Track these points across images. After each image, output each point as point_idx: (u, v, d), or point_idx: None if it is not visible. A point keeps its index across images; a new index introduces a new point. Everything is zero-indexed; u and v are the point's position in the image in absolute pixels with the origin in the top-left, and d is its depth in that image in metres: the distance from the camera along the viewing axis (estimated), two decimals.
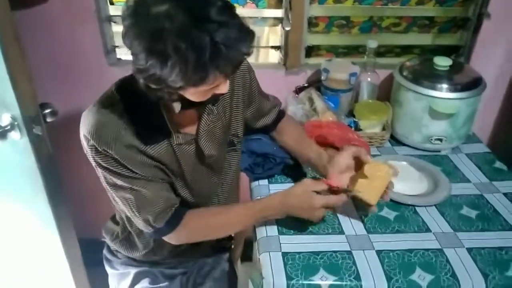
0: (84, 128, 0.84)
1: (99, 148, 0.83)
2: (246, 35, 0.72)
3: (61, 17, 1.45)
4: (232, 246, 1.33)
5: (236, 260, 1.41)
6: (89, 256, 1.35)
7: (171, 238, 0.99)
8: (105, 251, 1.20)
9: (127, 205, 0.93)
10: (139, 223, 0.96)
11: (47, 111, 1.13)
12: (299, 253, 0.98)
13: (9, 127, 1.06)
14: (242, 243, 1.45)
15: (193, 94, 0.80)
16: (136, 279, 1.13)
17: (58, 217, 1.26)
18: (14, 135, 1.08)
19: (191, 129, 0.96)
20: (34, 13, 1.42)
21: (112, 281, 1.19)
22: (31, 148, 1.09)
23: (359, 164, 1.02)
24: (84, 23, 1.46)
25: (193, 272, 1.17)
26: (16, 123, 1.06)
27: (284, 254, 0.97)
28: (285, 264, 0.95)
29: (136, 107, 0.85)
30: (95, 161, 0.87)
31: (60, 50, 1.51)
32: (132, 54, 0.71)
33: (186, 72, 0.68)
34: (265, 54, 1.70)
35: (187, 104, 0.83)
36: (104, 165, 0.86)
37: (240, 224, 1.04)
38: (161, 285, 1.12)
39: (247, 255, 1.26)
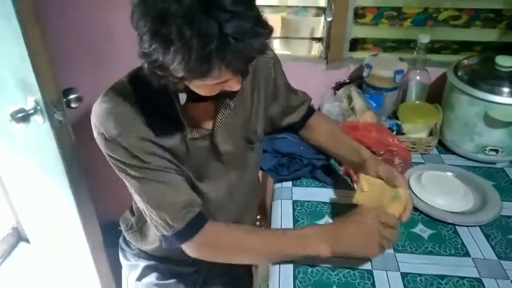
0: (93, 117, 0.81)
1: (107, 136, 0.79)
2: (261, 30, 0.63)
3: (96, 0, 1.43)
4: None
5: None
6: (112, 238, 1.35)
7: (190, 246, 0.88)
8: (120, 240, 1.18)
9: (142, 200, 0.86)
10: (156, 222, 0.87)
11: (71, 96, 1.12)
12: (312, 266, 0.89)
13: (32, 110, 1.07)
14: None
15: (198, 87, 0.73)
16: (144, 273, 1.10)
17: (79, 200, 1.26)
18: (38, 119, 1.08)
19: (208, 124, 0.89)
20: None
21: (124, 271, 1.18)
22: (53, 133, 1.09)
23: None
24: (119, 8, 1.44)
25: (203, 272, 1.12)
26: (38, 107, 1.06)
27: (296, 267, 0.89)
28: (295, 278, 0.86)
29: (148, 99, 0.79)
30: (104, 151, 0.83)
31: (94, 36, 1.50)
32: (138, 35, 0.66)
33: (189, 62, 0.62)
34: (307, 47, 1.59)
35: (196, 96, 0.77)
36: (113, 155, 0.82)
37: (269, 249, 0.89)
38: (168, 281, 1.08)
39: None
